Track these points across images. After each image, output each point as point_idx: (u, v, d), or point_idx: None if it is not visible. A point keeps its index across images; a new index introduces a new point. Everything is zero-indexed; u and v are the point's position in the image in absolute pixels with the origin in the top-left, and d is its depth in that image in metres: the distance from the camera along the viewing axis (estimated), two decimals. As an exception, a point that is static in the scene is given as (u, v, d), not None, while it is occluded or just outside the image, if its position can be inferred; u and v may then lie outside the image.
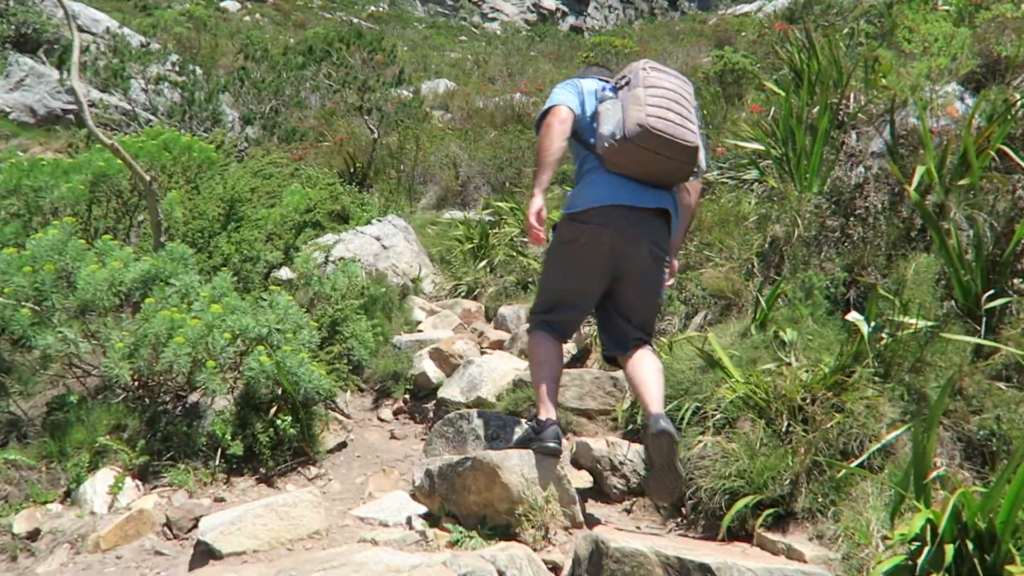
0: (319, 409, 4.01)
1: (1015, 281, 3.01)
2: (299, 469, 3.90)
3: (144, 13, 20.87)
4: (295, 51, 14.84)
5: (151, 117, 14.15)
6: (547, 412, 2.98)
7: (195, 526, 3.05)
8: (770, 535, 2.44)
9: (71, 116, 15.93)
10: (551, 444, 2.89)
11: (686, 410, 3.31)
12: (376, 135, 12.82)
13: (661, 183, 2.91)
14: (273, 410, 3.71)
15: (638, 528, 3.09)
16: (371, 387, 5.22)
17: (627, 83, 2.87)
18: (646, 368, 2.84)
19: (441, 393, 4.55)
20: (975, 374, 2.68)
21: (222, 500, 3.37)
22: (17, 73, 16.11)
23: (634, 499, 3.46)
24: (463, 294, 7.49)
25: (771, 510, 2.51)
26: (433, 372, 4.87)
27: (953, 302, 3.12)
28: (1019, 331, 2.79)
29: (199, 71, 14.69)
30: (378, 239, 9.05)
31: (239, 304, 3.82)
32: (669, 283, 3.19)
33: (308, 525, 2.89)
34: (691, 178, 2.99)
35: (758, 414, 2.83)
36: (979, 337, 2.90)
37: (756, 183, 5.74)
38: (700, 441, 2.85)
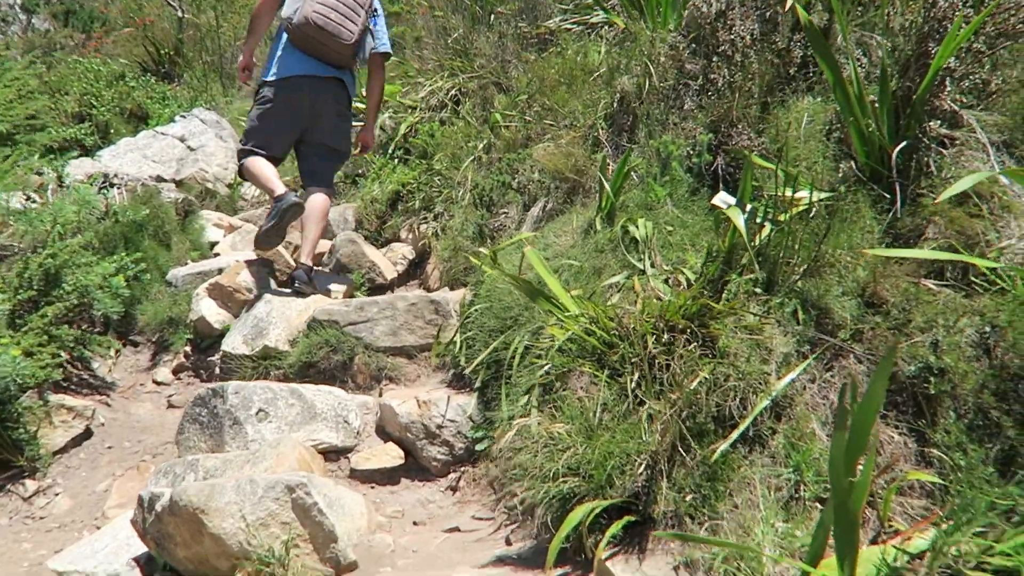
0: (29, 401, 2.89)
1: (933, 125, 2.15)
2: (10, 487, 2.82)
3: None
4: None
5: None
6: (279, 189, 3.53)
7: None
8: (618, 565, 1.60)
9: None
10: (293, 200, 3.49)
11: (516, 348, 2.39)
12: (181, 14, 10.85)
13: (332, 62, 3.63)
14: (-61, 421, 2.57)
15: (456, 529, 2.21)
16: (147, 339, 4.08)
17: None
18: (308, 214, 3.66)
19: (224, 345, 3.47)
20: (893, 271, 1.84)
21: None
22: None
23: (461, 470, 2.58)
24: (284, 197, 6.28)
25: (622, 520, 1.66)
26: (214, 315, 3.76)
27: (852, 162, 2.26)
28: (944, 197, 1.94)
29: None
30: (182, 140, 7.57)
31: None
32: (363, 152, 4.20)
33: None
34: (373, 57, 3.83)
35: (598, 363, 1.93)
36: (892, 204, 2.06)
37: (606, 27, 4.72)
38: (515, 423, 1.94)
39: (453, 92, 5.38)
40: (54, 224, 3.48)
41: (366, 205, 5.15)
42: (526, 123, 4.23)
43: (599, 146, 3.42)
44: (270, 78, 3.63)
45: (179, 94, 8.67)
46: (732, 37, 2.92)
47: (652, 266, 2.34)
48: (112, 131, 8.09)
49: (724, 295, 1.94)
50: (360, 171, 5.84)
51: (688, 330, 1.83)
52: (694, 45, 3.37)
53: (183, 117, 7.80)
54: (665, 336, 1.83)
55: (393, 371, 3.12)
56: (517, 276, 2.28)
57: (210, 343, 3.80)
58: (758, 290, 1.94)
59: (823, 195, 2.17)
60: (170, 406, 3.58)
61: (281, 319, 3.41)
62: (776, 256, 1.99)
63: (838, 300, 1.86)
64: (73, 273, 3.27)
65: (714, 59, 3.07)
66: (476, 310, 2.72)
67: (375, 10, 3.76)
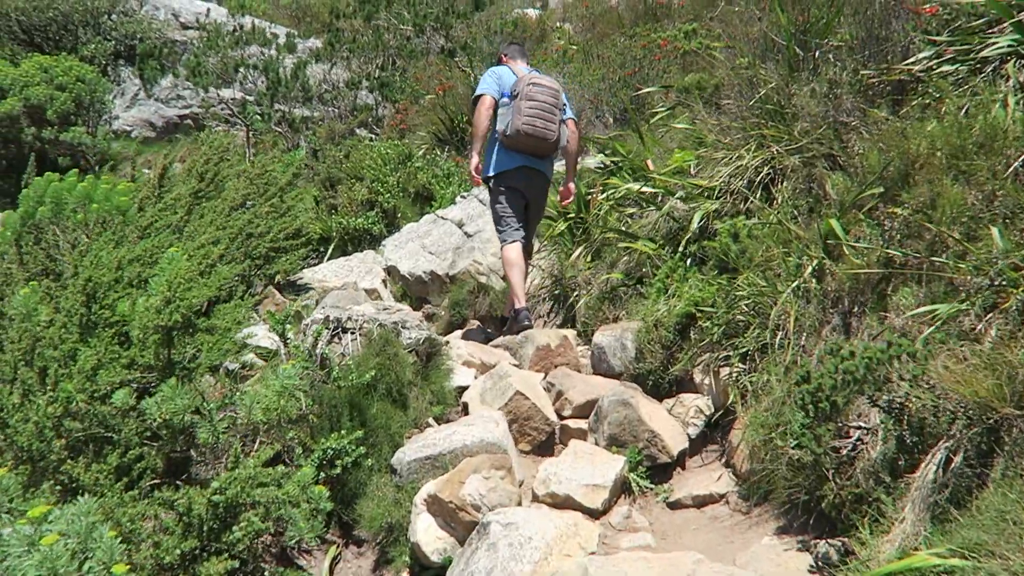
0: None
1: None
2: None
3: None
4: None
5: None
6: (519, 303, 4.56)
7: None
8: None
9: (189, 121, 15.33)
10: (525, 323, 4.49)
11: None
12: (474, 75, 10.64)
13: (536, 155, 4.64)
14: None
15: None
16: (373, 539, 3.26)
17: (516, 95, 4.51)
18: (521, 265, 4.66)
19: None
20: None
21: None
22: (130, 89, 15.64)
23: None
24: (559, 303, 5.32)
25: None
26: (432, 541, 2.79)
27: None
28: None
29: (281, 46, 13.30)
30: (460, 225, 7.00)
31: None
32: (569, 201, 5.10)
33: None
34: (564, 129, 4.72)
35: None
36: None
37: (1015, 58, 3.06)
38: None
39: (765, 171, 3.94)
40: (248, 419, 2.77)
41: (648, 330, 3.91)
42: (885, 239, 2.70)
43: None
44: (491, 173, 4.70)
45: (463, 169, 8.23)
46: None
47: None
48: (399, 216, 7.85)
49: None
50: (643, 272, 4.61)
51: None
52: None
53: (463, 198, 7.26)
54: None
55: None
56: None
57: (434, 574, 2.83)
58: None
59: None
60: (377, 669, 2.67)
61: (508, 582, 2.30)
62: None
63: None
64: (251, 506, 2.49)
65: None
66: None
67: (565, 104, 4.74)
